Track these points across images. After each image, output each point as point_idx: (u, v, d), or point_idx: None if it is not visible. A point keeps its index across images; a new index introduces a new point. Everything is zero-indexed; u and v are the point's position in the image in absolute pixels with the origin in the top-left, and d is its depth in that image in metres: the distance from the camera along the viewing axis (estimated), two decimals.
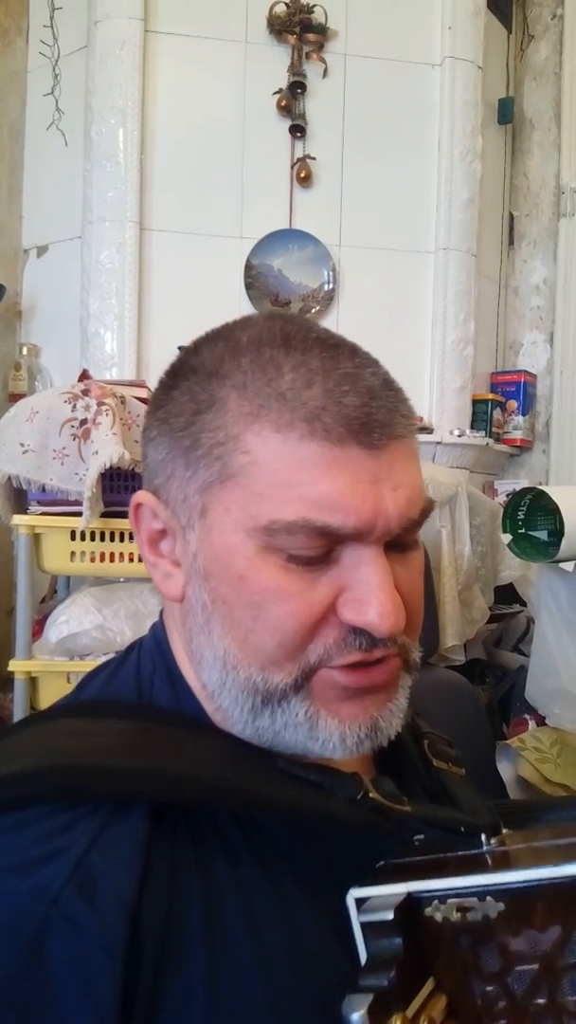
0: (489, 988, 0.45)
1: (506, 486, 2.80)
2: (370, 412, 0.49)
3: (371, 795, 0.53)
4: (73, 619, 1.66)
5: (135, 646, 0.62)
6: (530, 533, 1.75)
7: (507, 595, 2.27)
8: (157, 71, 2.42)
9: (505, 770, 1.68)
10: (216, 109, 2.47)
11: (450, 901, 0.46)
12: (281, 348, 0.51)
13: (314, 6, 2.45)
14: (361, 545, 0.50)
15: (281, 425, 0.49)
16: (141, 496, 0.56)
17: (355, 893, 0.48)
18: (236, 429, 0.50)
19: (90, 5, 2.41)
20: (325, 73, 2.48)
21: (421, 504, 0.52)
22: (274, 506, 0.49)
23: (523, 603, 2.29)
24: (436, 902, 0.46)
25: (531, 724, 1.84)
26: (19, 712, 1.69)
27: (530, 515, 1.74)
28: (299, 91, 2.46)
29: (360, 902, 0.48)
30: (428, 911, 0.46)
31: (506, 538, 1.77)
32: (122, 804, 0.48)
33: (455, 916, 0.45)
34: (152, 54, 2.41)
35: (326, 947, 0.50)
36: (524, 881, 0.44)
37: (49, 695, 1.67)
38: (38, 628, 1.77)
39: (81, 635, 1.65)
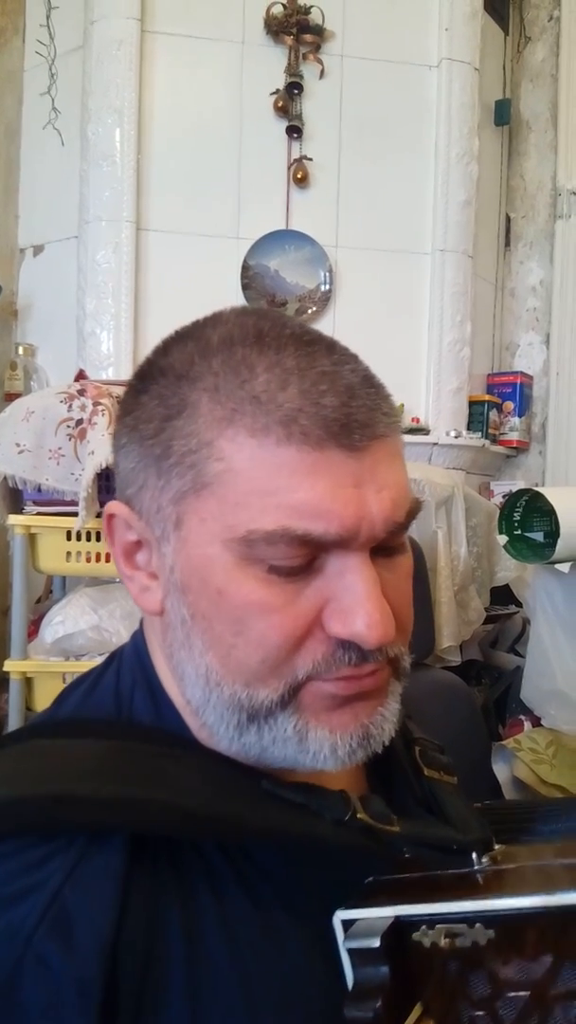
0: (478, 1014, 0.44)
1: (502, 487, 2.80)
2: (349, 412, 0.47)
3: (359, 816, 0.50)
4: (69, 619, 1.66)
5: (115, 656, 0.60)
6: (526, 534, 1.75)
7: (503, 596, 2.27)
8: (154, 71, 2.41)
9: (501, 771, 1.68)
10: (213, 110, 2.46)
11: (438, 926, 0.44)
12: (254, 347, 0.48)
13: (311, 7, 2.44)
14: (345, 552, 0.47)
15: (256, 429, 0.46)
16: (113, 507, 0.54)
17: (341, 915, 0.47)
18: (209, 435, 0.47)
19: (87, 5, 2.41)
20: (322, 74, 2.48)
21: (407, 506, 0.50)
22: (252, 515, 0.46)
23: (519, 604, 2.28)
24: (424, 927, 0.45)
25: (527, 725, 1.84)
26: (15, 712, 1.69)
27: (526, 516, 1.74)
28: (296, 92, 2.45)
29: (347, 924, 0.46)
30: (416, 936, 0.45)
31: (502, 539, 1.77)
32: (99, 835, 0.46)
33: (443, 942, 0.44)
34: (149, 54, 2.40)
35: (314, 973, 0.48)
36: (514, 909, 0.43)
37: (45, 695, 1.67)
38: (34, 628, 1.77)
39: (77, 635, 1.65)
